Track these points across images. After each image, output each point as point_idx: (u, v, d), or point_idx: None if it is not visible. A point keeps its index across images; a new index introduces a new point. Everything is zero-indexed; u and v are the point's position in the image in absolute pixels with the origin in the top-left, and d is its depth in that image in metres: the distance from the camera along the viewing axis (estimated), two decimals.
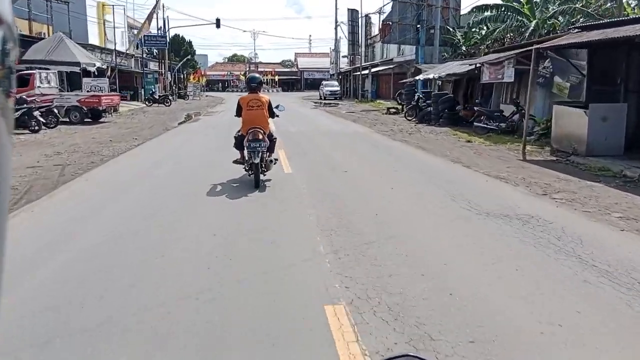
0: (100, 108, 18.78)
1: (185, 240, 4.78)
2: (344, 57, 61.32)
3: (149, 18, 24.94)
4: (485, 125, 14.59)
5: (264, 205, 6.25)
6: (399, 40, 32.59)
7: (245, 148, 7.23)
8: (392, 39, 32.61)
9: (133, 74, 35.29)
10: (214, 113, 27.12)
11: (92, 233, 5.04)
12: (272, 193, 6.96)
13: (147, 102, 31.83)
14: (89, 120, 19.16)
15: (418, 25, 34.13)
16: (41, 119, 15.32)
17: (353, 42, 46.41)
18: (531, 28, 20.83)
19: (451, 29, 34.34)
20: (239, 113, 7.78)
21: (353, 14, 46.03)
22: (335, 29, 52.47)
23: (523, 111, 14.15)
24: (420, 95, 21.96)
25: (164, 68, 39.53)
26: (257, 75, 8.96)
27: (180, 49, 54.99)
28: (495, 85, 17.22)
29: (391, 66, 41.25)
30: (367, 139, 14.42)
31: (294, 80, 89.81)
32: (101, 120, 19.83)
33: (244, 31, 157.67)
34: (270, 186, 7.42)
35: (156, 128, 17.35)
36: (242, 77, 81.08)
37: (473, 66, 17.59)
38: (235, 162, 7.73)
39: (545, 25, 21.84)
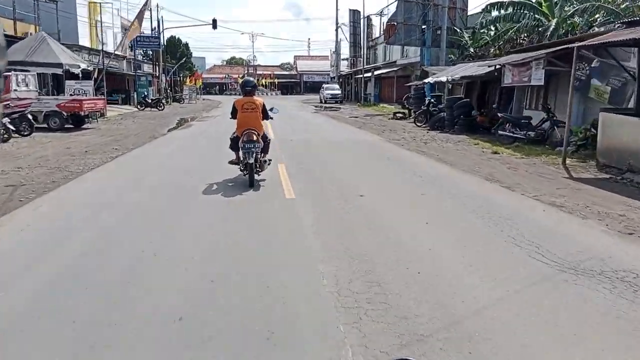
0: (82, 113, 17.09)
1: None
2: (344, 59, 59.82)
3: (139, 18, 23.28)
4: (510, 134, 12.93)
5: (265, 243, 4.59)
6: (405, 41, 31.03)
7: (240, 149, 7.53)
8: (397, 39, 31.04)
9: (125, 77, 33.64)
10: (208, 118, 25.46)
11: None
12: (268, 234, 5.28)
13: (139, 106, 30.17)
14: (71, 126, 17.50)
15: (424, 26, 32.56)
16: (11, 127, 13.64)
17: (354, 44, 44.85)
18: (552, 27, 19.19)
19: (458, 30, 32.78)
20: (234, 115, 8.00)
21: (355, 15, 44.50)
22: (336, 30, 51.01)
23: (555, 118, 12.52)
24: (432, 100, 20.32)
25: (158, 70, 37.88)
26: (251, 79, 9.12)
27: (176, 50, 53.37)
28: (517, 88, 15.59)
29: (394, 69, 39.68)
30: (378, 149, 12.75)
31: (293, 83, 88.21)
32: (84, 126, 18.15)
33: (242, 33, 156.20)
34: (267, 213, 6.15)
35: (142, 136, 15.67)
36: (240, 80, 79.37)
37: (492, 68, 15.95)
38: (231, 162, 8.04)
39: (565, 25, 20.25)
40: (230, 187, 7.55)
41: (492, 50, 29.84)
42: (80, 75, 21.10)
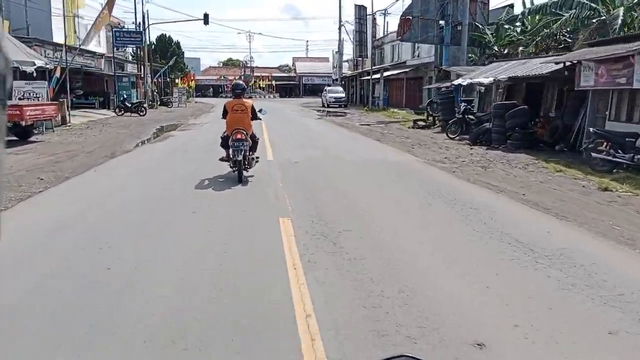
0: (23, 123, 13.16)
1: None
2: (345, 61, 56.06)
3: (109, 5, 19.38)
4: (610, 158, 9.10)
5: None
6: (421, 38, 27.21)
7: (230, 147, 8.09)
8: (412, 36, 27.22)
9: (104, 77, 29.72)
10: (195, 126, 21.59)
11: None
12: None
13: (117, 111, 26.26)
14: (14, 139, 13.59)
15: (442, 21, 28.77)
16: None
17: (360, 43, 41.03)
18: (620, 17, 15.35)
19: (480, 26, 29.04)
20: (224, 116, 8.66)
21: (361, 10, 40.71)
22: (339, 28, 47.24)
23: None
24: (468, 106, 16.50)
25: (143, 70, 33.98)
26: (241, 82, 10.36)
27: (166, 50, 49.49)
28: (593, 93, 11.78)
29: (404, 70, 35.91)
30: (425, 180, 8.82)
31: (292, 85, 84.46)
32: (31, 138, 14.26)
33: (239, 32, 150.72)
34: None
35: (97, 154, 11.76)
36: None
37: (561, 65, 12.13)
38: (221, 159, 8.58)
39: (629, 16, 16.50)
40: (221, 182, 7.96)
41: (520, 48, 26.09)
42: (35, 75, 17.20)
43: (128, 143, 14.35)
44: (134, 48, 33.19)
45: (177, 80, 49.39)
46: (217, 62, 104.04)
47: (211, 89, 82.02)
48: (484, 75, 16.72)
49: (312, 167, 10.01)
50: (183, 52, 51.60)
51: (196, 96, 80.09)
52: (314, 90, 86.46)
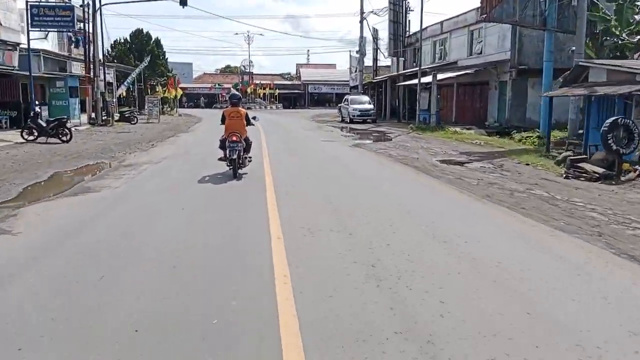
0: None
1: None
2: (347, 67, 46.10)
3: None
4: None
5: None
6: (519, 17, 17.05)
7: (226, 148, 9.27)
8: (504, 13, 17.09)
9: (17, 81, 19.53)
10: (141, 167, 11.31)
11: None
12: None
13: (24, 134, 16.11)
14: None
15: None
16: None
17: (395, 37, 31.01)
18: None
19: (598, 3, 19.08)
20: (223, 122, 9.72)
21: None
22: (361, 22, 37.22)
23: None
24: None
25: (93, 72, 23.83)
26: (237, 93, 11.16)
27: (143, 48, 39.41)
28: None
29: (456, 73, 25.81)
30: None
31: (296, 95, 74.49)
32: None
33: (236, 34, 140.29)
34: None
35: None
36: (234, 90, 65.77)
37: None
38: (220, 159, 9.70)
39: None
40: (219, 178, 9.25)
41: None
42: None
43: None
44: (82, 39, 23.32)
45: (158, 88, 39.28)
46: (215, 69, 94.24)
47: (205, 98, 72.02)
48: None
49: None
50: (165, 52, 41.51)
51: (188, 106, 70.35)
52: (321, 100, 76.50)
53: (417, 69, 25.66)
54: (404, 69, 34.43)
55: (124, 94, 40.04)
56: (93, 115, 24.00)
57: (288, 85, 75.76)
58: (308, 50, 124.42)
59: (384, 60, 45.20)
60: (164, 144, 16.09)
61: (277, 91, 65.22)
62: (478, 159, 13.07)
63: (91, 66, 23.76)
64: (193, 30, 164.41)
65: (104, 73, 24.47)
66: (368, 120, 30.02)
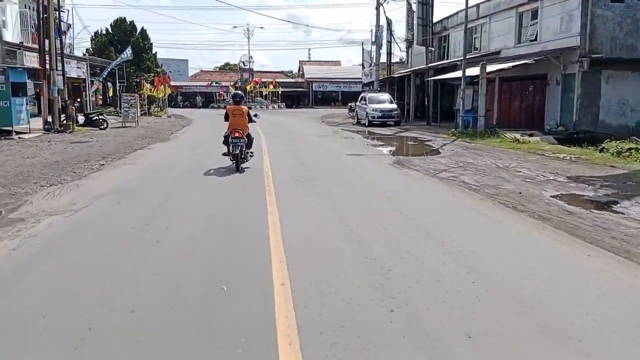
0: None
1: None
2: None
3: None
4: None
5: None
6: None
7: (230, 143, 9.74)
8: None
9: None
10: (30, 231, 6.28)
11: None
12: None
13: None
14: None
15: None
16: None
17: (424, 23, 25.92)
18: None
19: None
20: (226, 118, 10.21)
21: None
22: (377, 8, 32.10)
23: None
24: None
25: (50, 63, 18.77)
26: (239, 92, 11.61)
27: (126, 40, 34.30)
28: None
29: (499, 67, 20.64)
30: None
31: (299, 93, 69.27)
32: None
33: (235, 27, 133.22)
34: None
35: None
36: (232, 89, 60.60)
37: None
38: (224, 154, 10.05)
39: None
40: (223, 171, 9.64)
41: None
42: None
43: None
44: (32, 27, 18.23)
45: (144, 86, 34.18)
46: (214, 67, 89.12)
47: (202, 97, 66.90)
48: None
49: None
50: (151, 44, 36.29)
51: (183, 106, 65.23)
52: (326, 99, 71.15)
53: (460, 59, 20.51)
54: (431, 62, 29.35)
55: (110, 93, 35.07)
56: (50, 119, 18.93)
57: (291, 83, 70.55)
58: (309, 49, 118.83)
59: (397, 55, 40.16)
60: (122, 164, 11.01)
61: (280, 89, 60.04)
62: (613, 190, 8.00)
63: (46, 57, 18.66)
64: (189, 22, 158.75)
65: (62, 65, 19.33)
66: (390, 123, 24.95)
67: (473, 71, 20.48)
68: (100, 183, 8.47)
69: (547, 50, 19.69)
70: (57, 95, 18.65)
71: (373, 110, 24.98)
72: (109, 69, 27.67)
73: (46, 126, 18.74)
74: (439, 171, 10.17)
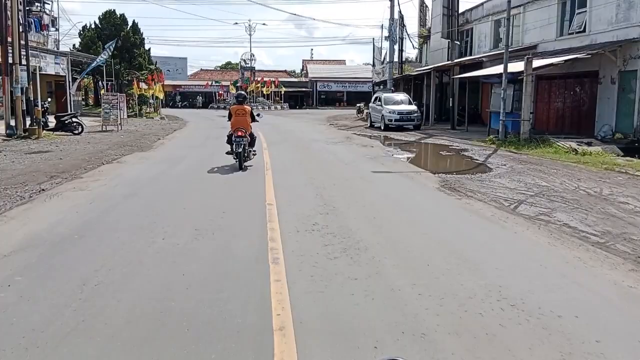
0: None
1: None
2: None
3: None
4: None
5: None
6: None
7: (233, 142, 9.94)
8: None
9: None
10: None
11: None
12: None
13: None
14: None
15: None
16: None
17: (450, 13, 22.95)
18: None
19: None
20: (229, 118, 10.39)
21: None
22: (392, 0, 29.11)
23: None
24: None
25: (13, 56, 15.86)
26: (243, 92, 12.12)
27: (116, 33, 31.35)
28: None
29: (576, 55, 17.49)
30: None
31: (303, 93, 66.31)
32: None
33: (236, 23, 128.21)
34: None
35: None
36: (233, 89, 57.62)
37: None
38: (227, 153, 10.30)
39: None
40: (227, 169, 9.76)
41: None
42: None
43: None
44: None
45: (142, 85, 31.22)
46: (214, 66, 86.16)
47: (200, 97, 64.04)
48: None
49: None
50: (143, 39, 33.28)
51: (182, 106, 62.28)
52: (331, 99, 68.06)
53: (488, 54, 17.54)
54: (451, 59, 26.32)
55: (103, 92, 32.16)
56: (14, 122, 15.99)
57: (294, 82, 67.56)
58: (312, 49, 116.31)
59: (407, 53, 37.30)
60: (69, 189, 7.97)
61: (283, 89, 57.10)
62: None
63: (9, 49, 15.70)
64: (186, 14, 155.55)
65: (27, 58, 16.31)
66: (408, 127, 21.97)
67: (488, 70, 17.52)
68: (10, 230, 5.47)
69: (599, 44, 16.68)
70: (20, 94, 15.68)
71: (390, 112, 21.97)
72: (93, 65, 24.68)
73: (8, 131, 15.80)
74: (514, 203, 7.16)
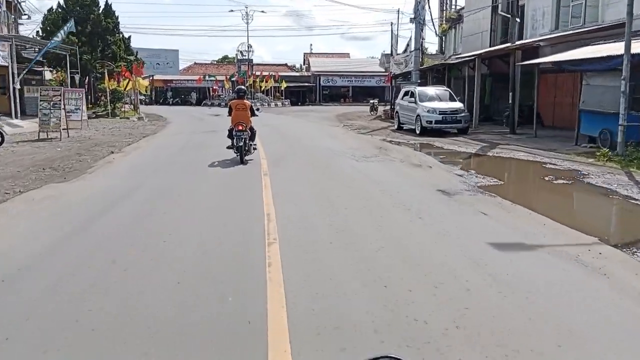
0: None
1: None
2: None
3: None
4: None
5: None
6: None
7: (234, 136, 10.18)
8: None
9: None
10: None
11: None
12: None
13: None
14: None
15: None
16: None
17: None
18: None
19: None
20: (230, 113, 10.58)
21: None
22: None
23: None
24: None
25: None
26: (243, 87, 12.26)
27: (85, 16, 25.98)
28: None
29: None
30: None
31: (305, 89, 60.84)
32: None
33: (231, 10, 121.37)
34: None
35: None
36: (228, 84, 52.30)
37: None
38: (228, 147, 10.54)
39: None
40: (228, 163, 9.99)
41: None
42: None
43: None
44: None
45: (106, 79, 25.88)
46: (211, 61, 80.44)
47: (194, 93, 58.71)
48: None
49: None
50: (118, 24, 27.86)
51: (173, 102, 56.96)
52: (336, 94, 62.51)
53: (549, 35, 12.37)
54: (487, 45, 21.02)
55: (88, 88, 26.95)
56: None
57: (296, 77, 62.20)
58: (311, 44, 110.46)
59: (428, 42, 32.07)
60: None
61: (285, 84, 51.77)
62: None
63: None
64: (181, 6, 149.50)
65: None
66: (451, 130, 16.78)
67: (549, 58, 12.37)
68: None
69: None
70: None
71: (428, 111, 16.71)
72: (43, 52, 19.44)
73: None
74: None
